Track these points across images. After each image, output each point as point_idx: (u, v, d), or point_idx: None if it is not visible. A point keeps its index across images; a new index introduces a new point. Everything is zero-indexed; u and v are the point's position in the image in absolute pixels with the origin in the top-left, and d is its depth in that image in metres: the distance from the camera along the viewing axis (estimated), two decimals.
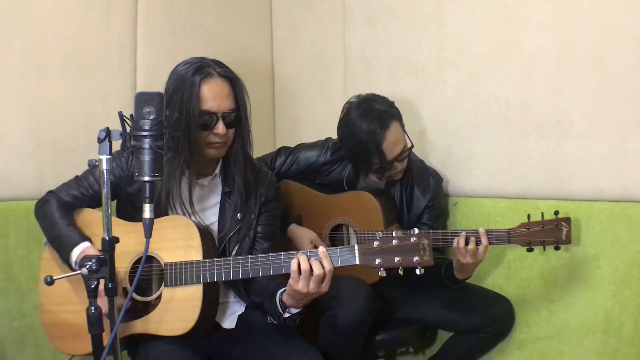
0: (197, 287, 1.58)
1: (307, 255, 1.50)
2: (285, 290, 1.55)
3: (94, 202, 1.71)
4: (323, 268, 1.48)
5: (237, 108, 1.66)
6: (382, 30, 2.49)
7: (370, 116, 1.97)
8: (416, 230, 1.45)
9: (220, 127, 1.62)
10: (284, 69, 2.91)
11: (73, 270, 1.58)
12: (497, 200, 2.16)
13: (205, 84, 1.61)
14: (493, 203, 2.17)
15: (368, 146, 1.96)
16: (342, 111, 2.08)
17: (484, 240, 1.81)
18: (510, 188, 2.13)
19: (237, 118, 1.67)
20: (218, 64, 1.67)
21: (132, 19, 2.36)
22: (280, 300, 1.60)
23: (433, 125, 2.34)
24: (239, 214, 1.74)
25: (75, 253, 1.59)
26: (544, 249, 1.84)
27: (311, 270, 1.47)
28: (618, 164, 1.88)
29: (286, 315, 1.61)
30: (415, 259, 1.43)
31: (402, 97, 2.39)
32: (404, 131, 2.05)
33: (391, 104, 2.05)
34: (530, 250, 1.84)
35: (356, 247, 1.48)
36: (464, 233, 1.82)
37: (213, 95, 1.61)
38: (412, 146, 2.06)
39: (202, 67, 1.63)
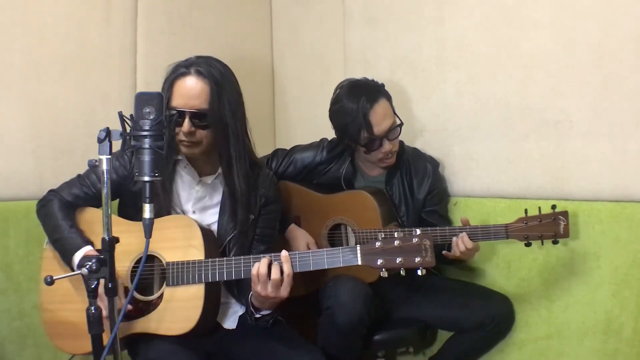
0: (199, 287, 1.58)
1: (272, 259, 1.52)
2: None
3: (96, 200, 1.71)
4: (282, 273, 1.50)
5: (210, 109, 1.61)
6: (382, 30, 2.49)
7: (359, 91, 2.04)
8: (418, 231, 1.45)
9: (186, 126, 1.60)
10: (284, 69, 2.91)
11: (74, 271, 1.58)
12: (497, 200, 2.16)
13: (177, 81, 1.62)
14: (493, 203, 2.17)
15: (356, 117, 1.99)
16: (333, 93, 2.12)
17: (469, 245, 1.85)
18: (510, 188, 2.14)
19: (210, 119, 1.62)
20: (207, 61, 1.65)
21: (132, 19, 2.36)
22: (251, 301, 1.63)
23: (433, 125, 2.34)
24: (239, 215, 1.74)
25: (77, 257, 1.59)
26: (542, 244, 1.85)
27: (269, 274, 1.50)
28: (618, 164, 1.88)
29: (257, 315, 1.65)
30: (417, 259, 1.44)
31: (402, 97, 2.39)
32: (394, 111, 2.08)
33: (381, 85, 2.10)
34: (528, 245, 1.85)
35: (358, 248, 1.48)
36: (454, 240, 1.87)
37: (180, 93, 1.61)
38: (402, 124, 2.07)
39: (182, 65, 1.64)
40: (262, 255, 1.55)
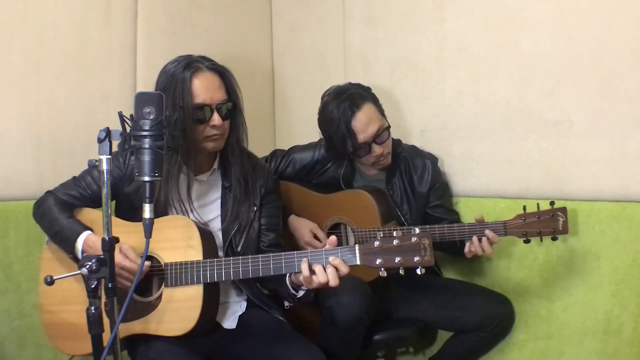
0: (197, 287, 1.58)
1: (323, 265, 1.46)
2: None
3: (92, 202, 1.72)
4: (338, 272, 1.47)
5: (229, 99, 1.68)
6: (382, 30, 2.49)
7: (341, 98, 2.03)
8: (417, 230, 1.45)
9: (216, 119, 1.64)
10: (284, 69, 2.91)
11: (79, 261, 1.58)
12: (497, 200, 2.16)
13: (196, 78, 1.63)
14: (493, 203, 2.17)
15: (339, 126, 2.00)
16: (320, 101, 2.11)
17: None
18: (510, 188, 2.14)
19: (231, 109, 1.69)
20: (205, 58, 1.69)
21: (132, 19, 2.36)
22: (291, 281, 1.60)
23: (433, 125, 2.34)
24: (241, 207, 1.75)
25: (80, 242, 1.60)
26: (541, 240, 1.84)
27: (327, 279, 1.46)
28: (618, 164, 1.88)
29: (300, 294, 1.62)
30: (416, 258, 1.43)
31: (402, 97, 2.40)
32: (382, 114, 2.08)
33: (366, 89, 2.09)
34: (527, 241, 1.85)
35: (357, 247, 1.48)
36: (475, 238, 1.85)
37: (205, 88, 1.63)
38: (389, 126, 2.07)
39: (190, 63, 1.65)
40: (282, 254, 1.51)
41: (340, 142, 2.03)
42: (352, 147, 2.02)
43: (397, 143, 2.20)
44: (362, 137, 2.00)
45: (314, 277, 1.46)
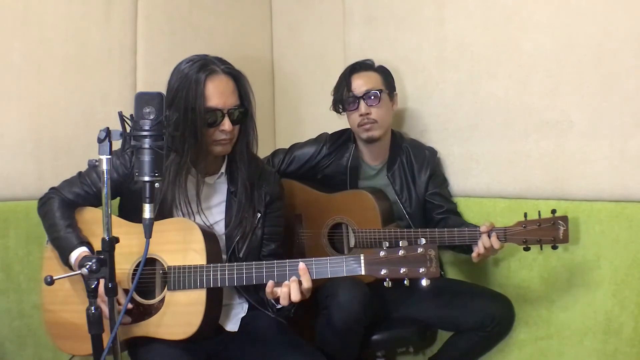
0: (200, 292, 1.57)
1: (289, 289, 1.50)
2: None
3: (97, 199, 1.71)
4: (301, 292, 1.51)
5: (242, 104, 1.67)
6: (382, 30, 2.49)
7: (349, 66, 2.22)
8: (423, 240, 1.45)
9: (227, 124, 1.63)
10: (285, 69, 2.91)
11: (73, 271, 1.58)
12: (497, 200, 2.16)
13: (210, 82, 1.61)
14: (493, 203, 2.17)
15: (342, 78, 2.19)
16: None
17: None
18: (510, 188, 2.14)
19: (243, 114, 1.68)
20: (221, 61, 1.68)
21: (132, 19, 2.36)
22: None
23: (433, 125, 2.34)
24: (245, 213, 1.74)
25: (73, 257, 1.58)
26: (541, 248, 1.84)
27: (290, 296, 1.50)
28: (618, 164, 1.88)
29: (278, 307, 1.64)
30: (422, 270, 1.43)
31: (402, 97, 2.39)
32: (386, 85, 2.18)
33: (379, 67, 2.23)
34: (527, 249, 1.84)
35: (362, 257, 1.48)
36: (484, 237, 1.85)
37: (219, 92, 1.62)
38: (387, 93, 2.16)
39: (206, 65, 1.63)
40: (287, 261, 1.53)
41: (338, 93, 2.17)
42: (344, 95, 2.13)
43: (398, 135, 2.26)
44: (354, 86, 2.13)
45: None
